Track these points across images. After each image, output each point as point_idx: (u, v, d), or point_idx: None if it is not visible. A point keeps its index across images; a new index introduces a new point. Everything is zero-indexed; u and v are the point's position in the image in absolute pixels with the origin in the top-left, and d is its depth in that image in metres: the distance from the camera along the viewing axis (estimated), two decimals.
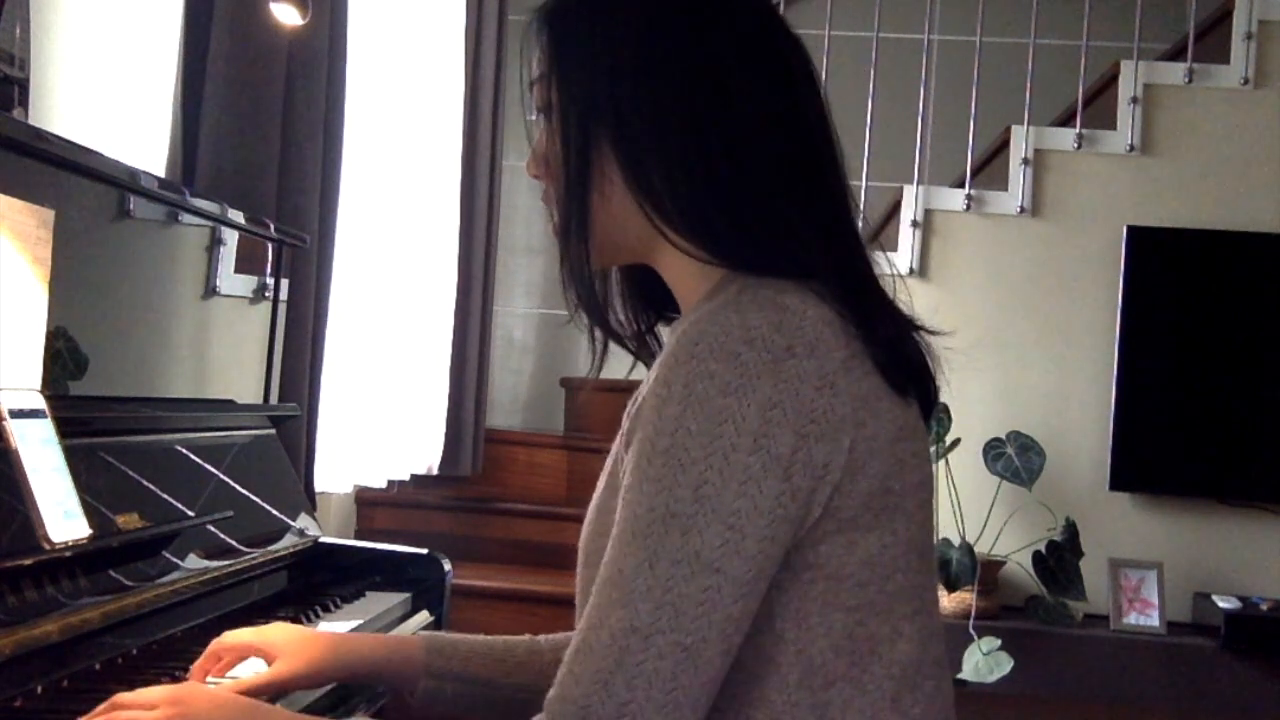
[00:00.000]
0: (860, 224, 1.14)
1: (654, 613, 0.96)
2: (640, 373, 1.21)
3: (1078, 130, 3.79)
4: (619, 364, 1.24)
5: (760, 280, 1.04)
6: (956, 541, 3.39)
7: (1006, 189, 3.81)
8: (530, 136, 1.19)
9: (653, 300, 1.22)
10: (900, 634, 1.04)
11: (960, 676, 3.19)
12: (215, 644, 1.33)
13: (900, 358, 1.07)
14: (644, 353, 1.23)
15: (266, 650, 1.31)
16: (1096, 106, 3.89)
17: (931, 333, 1.13)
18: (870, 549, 1.02)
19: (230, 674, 1.34)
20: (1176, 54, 3.93)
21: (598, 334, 1.18)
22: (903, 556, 1.05)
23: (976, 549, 3.41)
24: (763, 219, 1.08)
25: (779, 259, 1.06)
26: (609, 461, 1.16)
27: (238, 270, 2.11)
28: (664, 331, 1.21)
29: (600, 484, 1.15)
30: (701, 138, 1.08)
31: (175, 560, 1.60)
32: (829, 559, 1.01)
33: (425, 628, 1.97)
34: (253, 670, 1.31)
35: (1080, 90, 3.85)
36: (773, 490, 0.97)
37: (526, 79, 1.17)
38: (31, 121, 1.83)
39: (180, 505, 1.66)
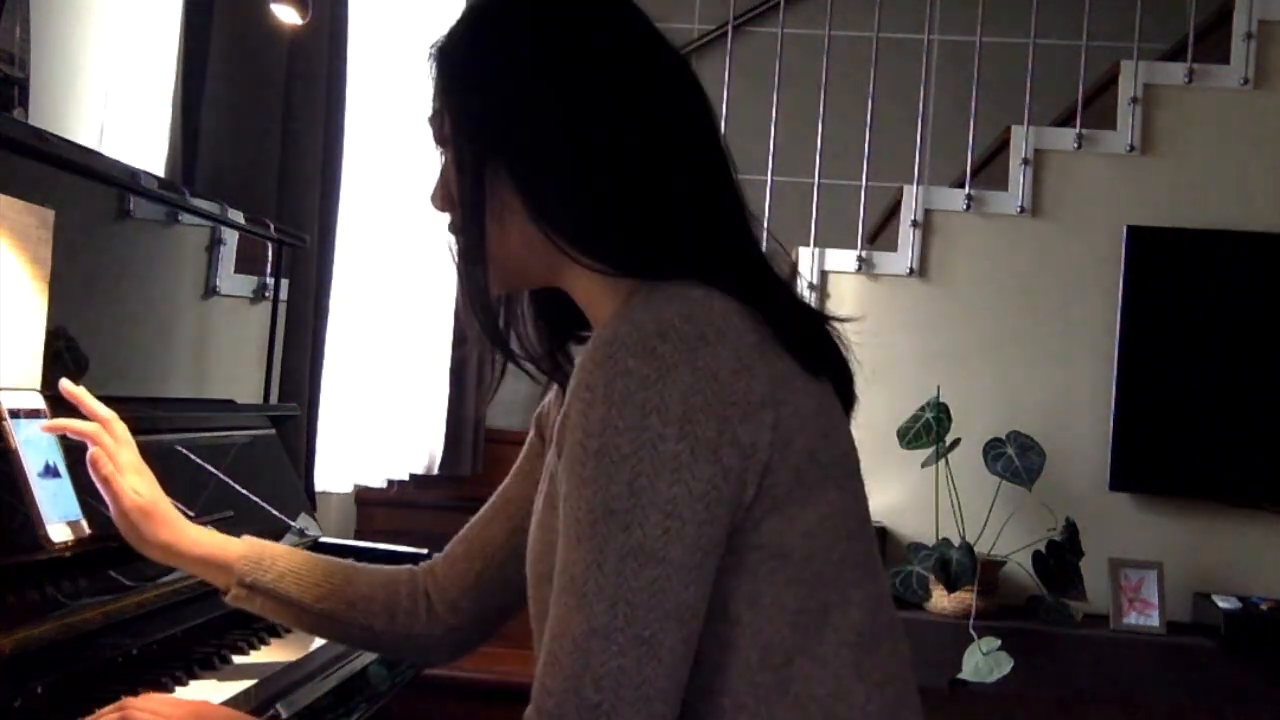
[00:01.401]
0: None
1: (609, 611, 0.98)
2: None
3: (1078, 130, 3.78)
4: None
5: (667, 282, 1.07)
6: (956, 541, 3.39)
7: (1006, 189, 3.81)
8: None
9: (563, 322, 1.25)
10: (850, 601, 1.07)
11: (960, 676, 3.19)
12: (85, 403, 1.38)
13: (809, 344, 1.10)
14: (557, 374, 1.25)
15: (120, 465, 1.36)
16: (1096, 106, 3.88)
17: (840, 320, 1.17)
18: (809, 522, 1.05)
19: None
20: (1176, 54, 3.93)
21: (498, 359, 1.20)
22: (842, 525, 1.08)
23: (976, 549, 3.40)
24: (659, 228, 1.11)
25: (681, 263, 1.09)
26: (543, 482, 1.18)
27: (238, 270, 2.11)
28: (577, 352, 1.23)
29: (538, 503, 1.17)
30: (590, 156, 1.10)
31: None
32: (771, 537, 1.04)
33: None
34: None
35: (1080, 90, 3.84)
36: (704, 474, 1.00)
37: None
38: (31, 121, 1.83)
39: (180, 505, 1.65)
